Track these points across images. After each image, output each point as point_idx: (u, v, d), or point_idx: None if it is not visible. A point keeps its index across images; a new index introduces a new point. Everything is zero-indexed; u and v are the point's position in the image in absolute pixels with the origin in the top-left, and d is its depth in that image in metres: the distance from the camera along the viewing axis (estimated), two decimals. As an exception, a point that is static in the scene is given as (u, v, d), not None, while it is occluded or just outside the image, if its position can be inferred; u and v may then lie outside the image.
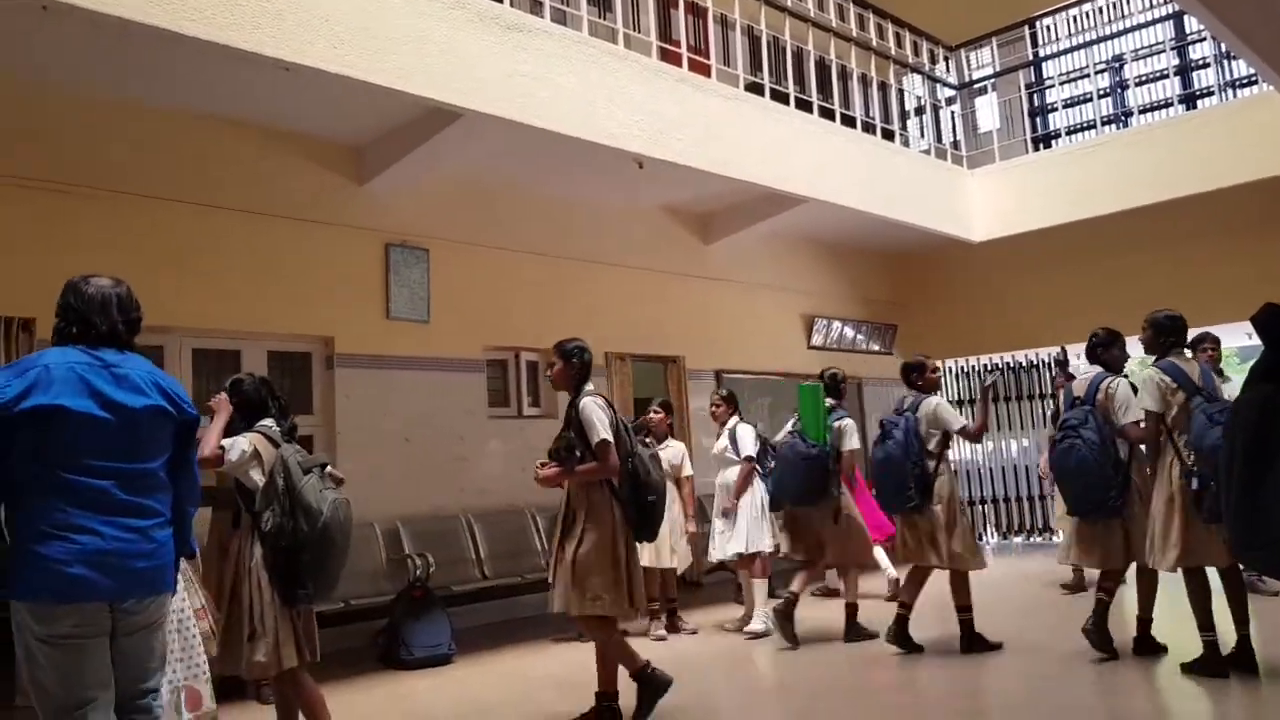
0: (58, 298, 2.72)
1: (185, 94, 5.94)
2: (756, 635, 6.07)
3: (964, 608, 5.21)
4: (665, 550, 6.21)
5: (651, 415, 6.56)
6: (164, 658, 2.80)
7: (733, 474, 6.38)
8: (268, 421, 3.73)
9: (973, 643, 5.17)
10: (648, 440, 4.52)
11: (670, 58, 7.18)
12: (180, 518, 2.77)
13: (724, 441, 6.50)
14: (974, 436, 5.36)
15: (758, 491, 6.30)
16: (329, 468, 3.74)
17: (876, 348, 11.41)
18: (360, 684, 5.14)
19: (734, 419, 6.55)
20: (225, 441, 3.55)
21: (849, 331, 11.07)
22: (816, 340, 10.61)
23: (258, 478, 3.52)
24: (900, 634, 5.25)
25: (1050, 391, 10.39)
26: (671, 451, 6.51)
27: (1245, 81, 9.24)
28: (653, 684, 4.13)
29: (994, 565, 7.80)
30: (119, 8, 4.36)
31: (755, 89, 8.02)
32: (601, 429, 4.05)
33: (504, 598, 7.18)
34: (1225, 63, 9.35)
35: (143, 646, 2.65)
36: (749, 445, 6.39)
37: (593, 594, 3.98)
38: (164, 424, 2.69)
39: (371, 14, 5.28)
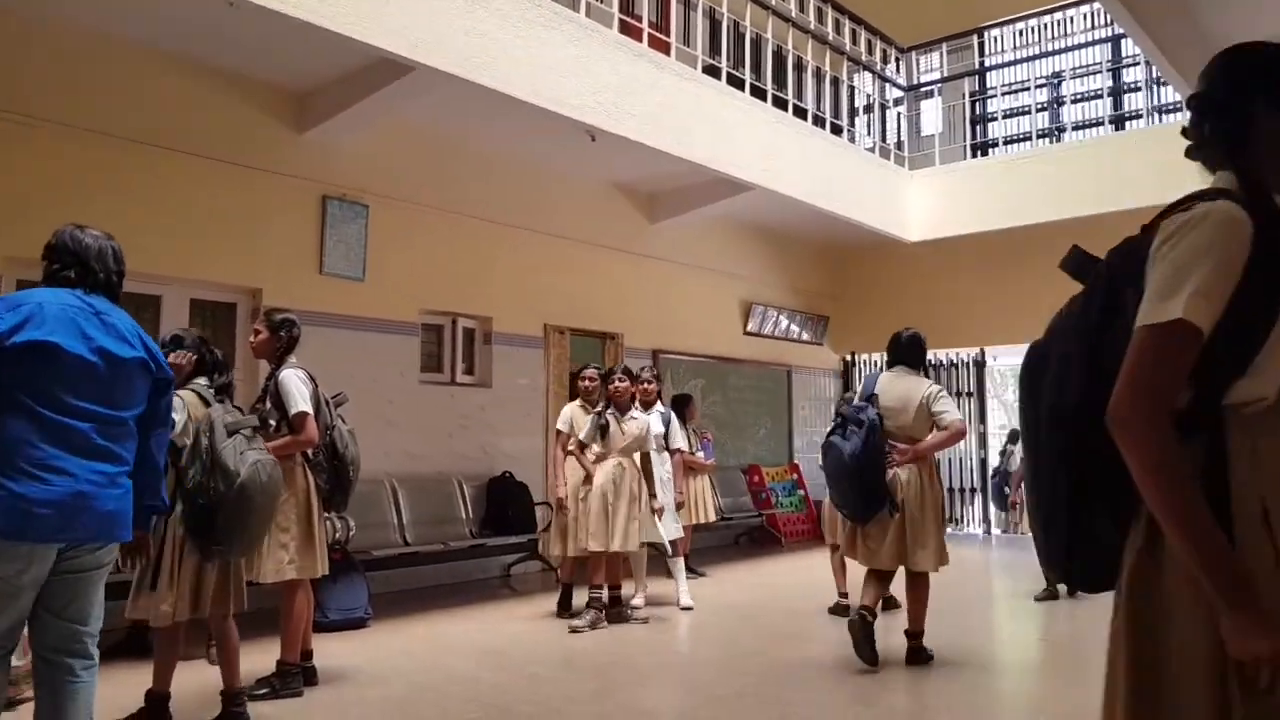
0: (50, 239, 2.76)
1: (116, 20, 5.58)
2: (688, 609, 6.28)
3: None
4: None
5: (618, 384, 6.02)
6: (103, 605, 2.75)
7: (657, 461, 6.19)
8: (201, 380, 3.80)
9: None
10: (342, 418, 4.51)
11: (631, 31, 7.10)
12: (152, 472, 2.81)
13: (657, 426, 6.17)
14: None
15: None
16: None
17: (808, 338, 11.58)
18: (275, 643, 5.00)
19: (660, 405, 6.52)
20: None
21: (784, 320, 11.20)
22: (753, 326, 10.72)
23: (186, 438, 3.59)
24: None
25: (970, 390, 10.87)
26: (638, 424, 6.06)
27: (1172, 108, 9.61)
28: (286, 680, 4.20)
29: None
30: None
31: (712, 72, 8.00)
32: (300, 401, 4.12)
33: (425, 564, 7.10)
34: (1155, 88, 9.71)
35: (90, 590, 2.65)
36: (680, 438, 6.51)
37: (289, 559, 4.12)
38: (144, 377, 2.76)
39: (329, -45, 5.07)
